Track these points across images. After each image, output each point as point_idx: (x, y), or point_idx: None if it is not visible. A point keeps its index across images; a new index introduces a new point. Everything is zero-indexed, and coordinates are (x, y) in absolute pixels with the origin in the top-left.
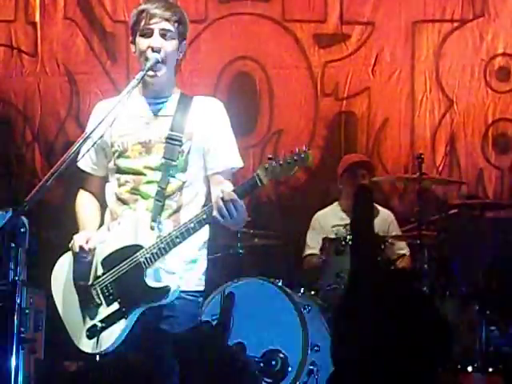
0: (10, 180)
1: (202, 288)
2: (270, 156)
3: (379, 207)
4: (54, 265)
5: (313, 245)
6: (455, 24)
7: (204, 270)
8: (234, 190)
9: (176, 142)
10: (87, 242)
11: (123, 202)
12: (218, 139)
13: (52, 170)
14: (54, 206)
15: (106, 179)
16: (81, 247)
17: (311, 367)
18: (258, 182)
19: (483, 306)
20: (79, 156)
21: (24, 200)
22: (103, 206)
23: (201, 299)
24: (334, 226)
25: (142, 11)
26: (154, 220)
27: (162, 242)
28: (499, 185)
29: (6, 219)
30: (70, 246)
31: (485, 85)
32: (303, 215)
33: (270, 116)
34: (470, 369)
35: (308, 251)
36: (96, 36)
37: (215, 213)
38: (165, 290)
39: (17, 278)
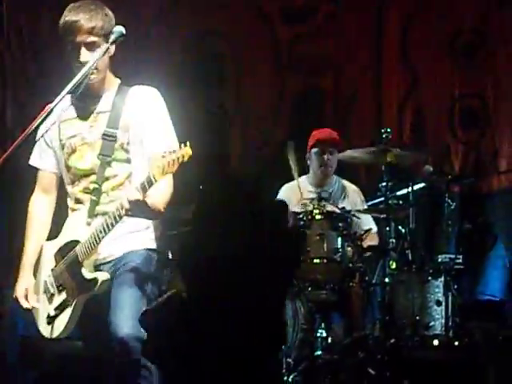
0: None
1: (153, 246)
2: (163, 154)
3: (346, 182)
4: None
5: None
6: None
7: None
8: (136, 188)
9: (111, 138)
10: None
11: (79, 201)
12: (151, 125)
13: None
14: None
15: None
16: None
17: None
18: (153, 179)
19: (449, 280)
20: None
21: None
22: (58, 201)
23: (154, 255)
24: (301, 199)
25: (67, 25)
26: (89, 216)
27: (91, 237)
28: (465, 159)
29: None
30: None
31: (451, 60)
32: (268, 191)
33: (236, 91)
34: (435, 342)
35: None
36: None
37: (123, 212)
38: (95, 281)
39: None
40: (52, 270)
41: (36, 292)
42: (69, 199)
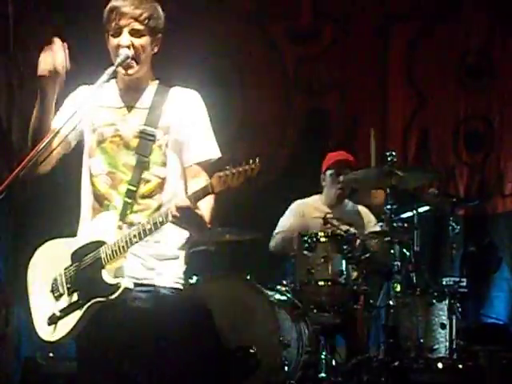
0: None
1: (180, 286)
2: (227, 167)
3: (357, 204)
4: (32, 254)
5: (284, 225)
6: (428, 22)
7: (183, 270)
8: (188, 196)
9: (150, 137)
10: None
11: (103, 198)
12: (193, 131)
13: (23, 164)
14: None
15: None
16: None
17: (281, 364)
18: (211, 190)
19: (453, 303)
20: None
21: None
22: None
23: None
24: (315, 218)
25: (112, 10)
26: (121, 219)
27: (121, 241)
28: (470, 182)
29: None
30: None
31: (456, 83)
32: (274, 211)
33: (243, 112)
34: (440, 365)
35: (278, 230)
36: None
37: (170, 218)
38: (116, 287)
39: None
40: (65, 268)
41: (40, 289)
42: (88, 195)
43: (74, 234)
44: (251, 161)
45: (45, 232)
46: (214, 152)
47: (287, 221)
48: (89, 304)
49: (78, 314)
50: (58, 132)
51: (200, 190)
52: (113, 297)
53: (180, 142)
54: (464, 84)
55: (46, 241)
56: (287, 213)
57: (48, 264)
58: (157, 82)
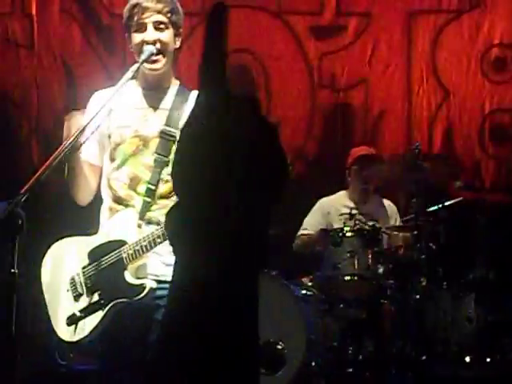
0: (8, 172)
1: None
2: None
3: (384, 199)
4: (45, 251)
5: (308, 226)
6: (452, 15)
7: None
8: None
9: (170, 137)
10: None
11: (121, 199)
12: None
13: (47, 162)
14: (52, 199)
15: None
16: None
17: (308, 359)
18: None
19: (480, 296)
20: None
21: (20, 191)
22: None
23: None
24: (341, 215)
25: (135, 6)
26: (141, 218)
27: (144, 241)
28: (496, 175)
29: (3, 210)
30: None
31: (481, 75)
32: (300, 205)
33: (267, 108)
34: (467, 359)
35: (302, 231)
36: (93, 29)
37: None
38: (141, 288)
39: (13, 271)
40: (84, 268)
41: (56, 288)
42: (106, 196)
43: (85, 233)
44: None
45: (57, 230)
46: None
47: (312, 221)
48: (111, 304)
49: (99, 314)
50: (83, 129)
51: None
52: (137, 298)
53: None
54: (489, 76)
55: (59, 239)
56: (312, 212)
57: (62, 262)
58: (178, 82)
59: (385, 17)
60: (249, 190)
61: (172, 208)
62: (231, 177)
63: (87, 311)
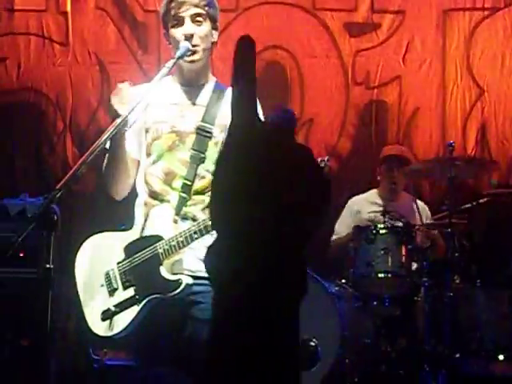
0: (42, 169)
1: None
2: None
3: (415, 198)
4: (79, 247)
5: (340, 230)
6: (486, 12)
7: None
8: None
9: (206, 134)
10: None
11: (156, 194)
12: None
13: (83, 158)
14: (86, 195)
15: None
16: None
17: (342, 357)
18: None
19: None
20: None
21: (55, 187)
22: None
23: None
24: (370, 212)
25: (171, 0)
26: (177, 214)
27: (180, 236)
28: None
29: (39, 206)
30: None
31: None
32: (334, 203)
33: (300, 105)
34: (501, 357)
35: (334, 237)
36: (127, 26)
37: None
38: (177, 284)
39: (49, 266)
40: (119, 263)
41: (90, 283)
42: (142, 191)
43: (120, 229)
44: (319, 159)
45: (92, 226)
46: None
47: (342, 224)
48: (146, 299)
49: (135, 309)
50: (119, 125)
51: None
52: (173, 294)
53: None
54: None
55: (92, 234)
56: (342, 215)
57: (97, 258)
58: (214, 79)
59: (419, 14)
60: (292, 219)
61: (212, 246)
62: (274, 207)
63: (122, 306)
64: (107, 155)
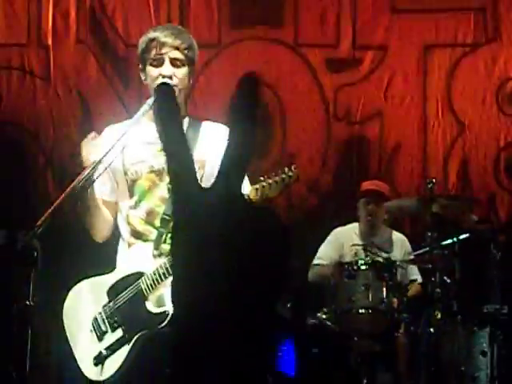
0: (23, 204)
1: None
2: (261, 177)
3: (395, 232)
4: (67, 293)
5: (323, 256)
6: (467, 48)
7: None
8: None
9: None
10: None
11: (140, 234)
12: None
13: (62, 196)
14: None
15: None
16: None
17: None
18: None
19: (495, 331)
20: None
21: (36, 224)
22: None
23: None
24: (353, 245)
25: (153, 40)
26: (156, 248)
27: (161, 268)
28: (511, 209)
29: (19, 242)
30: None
31: (497, 109)
32: (314, 238)
33: (282, 140)
34: None
35: (316, 261)
36: (108, 60)
37: None
38: (164, 315)
39: (29, 303)
40: (104, 306)
41: (79, 331)
42: (124, 231)
43: (101, 272)
44: (286, 168)
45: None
46: (247, 184)
47: (326, 251)
48: (136, 337)
49: (125, 349)
50: (96, 165)
51: None
52: (161, 326)
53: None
54: (504, 110)
55: (77, 282)
56: (326, 242)
57: (83, 305)
58: (188, 117)
59: (400, 50)
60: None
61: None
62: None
63: (113, 348)
64: (78, 202)
